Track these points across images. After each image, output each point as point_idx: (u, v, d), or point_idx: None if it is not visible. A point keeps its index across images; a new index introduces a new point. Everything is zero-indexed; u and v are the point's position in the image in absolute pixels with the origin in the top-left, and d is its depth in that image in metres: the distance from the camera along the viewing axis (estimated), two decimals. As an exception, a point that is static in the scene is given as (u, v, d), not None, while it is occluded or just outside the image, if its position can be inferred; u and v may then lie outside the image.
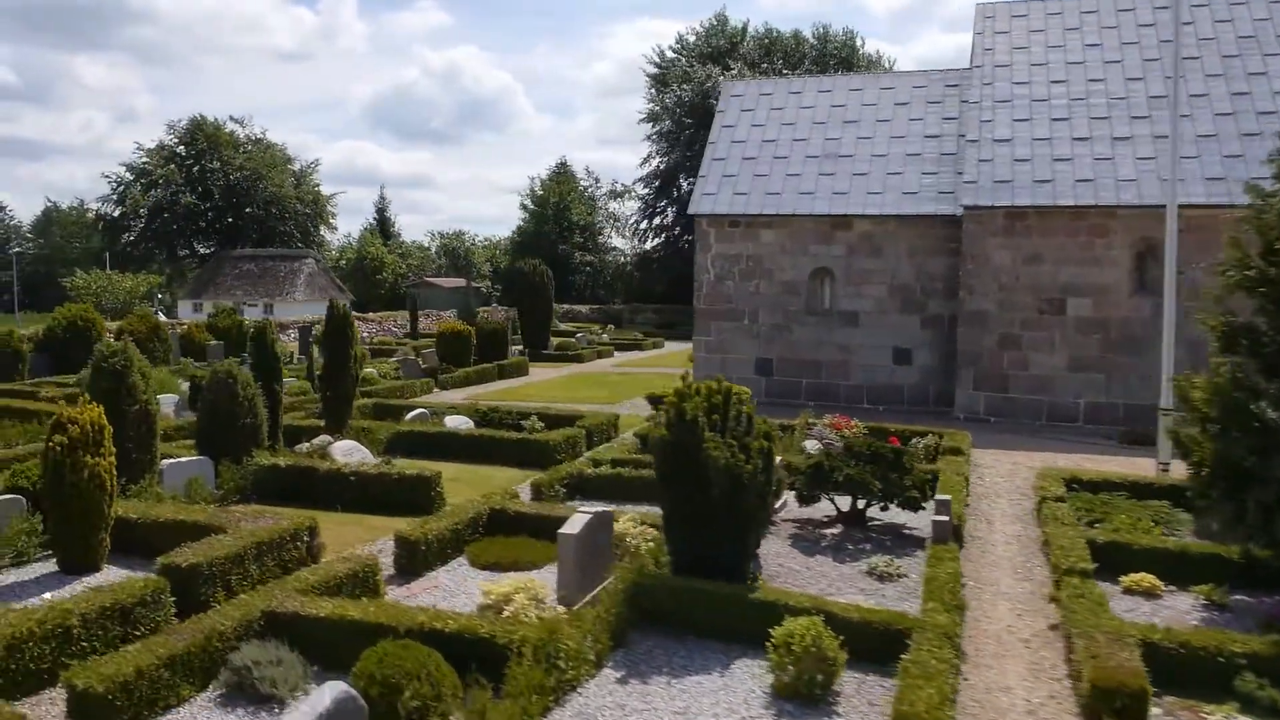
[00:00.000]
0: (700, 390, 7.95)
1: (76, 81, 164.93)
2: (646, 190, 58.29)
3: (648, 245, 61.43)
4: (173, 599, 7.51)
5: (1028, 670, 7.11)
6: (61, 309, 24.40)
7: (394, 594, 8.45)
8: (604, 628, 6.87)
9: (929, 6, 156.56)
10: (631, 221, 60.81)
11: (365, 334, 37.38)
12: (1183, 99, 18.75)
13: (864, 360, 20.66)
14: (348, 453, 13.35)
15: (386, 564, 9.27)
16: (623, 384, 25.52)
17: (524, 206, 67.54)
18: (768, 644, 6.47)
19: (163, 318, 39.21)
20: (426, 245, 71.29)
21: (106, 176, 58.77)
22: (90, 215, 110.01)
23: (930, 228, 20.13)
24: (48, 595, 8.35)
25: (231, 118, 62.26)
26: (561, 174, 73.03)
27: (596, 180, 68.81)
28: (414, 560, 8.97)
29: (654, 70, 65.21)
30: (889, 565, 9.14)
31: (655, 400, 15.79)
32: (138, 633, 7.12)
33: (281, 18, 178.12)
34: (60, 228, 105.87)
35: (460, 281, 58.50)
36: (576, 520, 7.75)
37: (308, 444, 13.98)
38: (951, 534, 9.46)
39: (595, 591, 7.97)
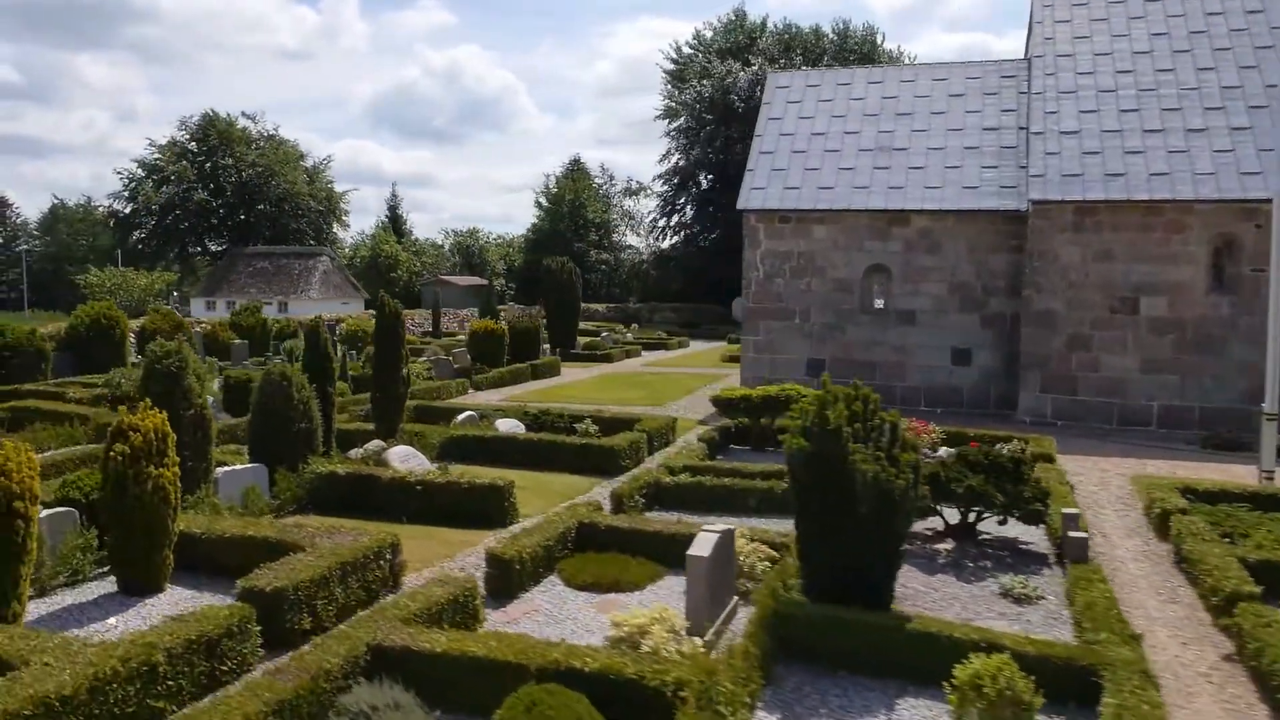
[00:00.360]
0: (839, 396, 7.17)
1: (79, 80, 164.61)
2: (665, 187, 57.51)
3: (666, 243, 60.65)
4: (258, 628, 6.75)
5: (1224, 712, 6.33)
6: (84, 307, 23.64)
7: (492, 619, 7.68)
8: (753, 664, 6.09)
9: (930, 6, 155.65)
10: (649, 219, 60.03)
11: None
12: (1257, 89, 18.02)
13: (921, 361, 19.88)
14: (404, 459, 12.59)
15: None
16: (660, 384, 24.74)
17: (539, 204, 66.77)
18: (947, 684, 5.70)
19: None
20: (440, 243, 70.51)
21: (119, 172, 58.19)
22: (99, 212, 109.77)
23: (992, 223, 19.34)
24: (112, 620, 7.60)
25: (244, 114, 61.60)
26: (575, 171, 72.28)
27: (611, 178, 68.14)
28: (508, 581, 8.20)
29: (671, 67, 64.48)
30: (1023, 586, 8.36)
31: (726, 404, 15.02)
32: (225, 668, 6.37)
33: (284, 16, 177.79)
34: (67, 225, 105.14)
35: (476, 279, 57.76)
36: (705, 540, 6.97)
37: (360, 450, 13.23)
38: (1086, 551, 8.69)
39: (721, 619, 7.20)
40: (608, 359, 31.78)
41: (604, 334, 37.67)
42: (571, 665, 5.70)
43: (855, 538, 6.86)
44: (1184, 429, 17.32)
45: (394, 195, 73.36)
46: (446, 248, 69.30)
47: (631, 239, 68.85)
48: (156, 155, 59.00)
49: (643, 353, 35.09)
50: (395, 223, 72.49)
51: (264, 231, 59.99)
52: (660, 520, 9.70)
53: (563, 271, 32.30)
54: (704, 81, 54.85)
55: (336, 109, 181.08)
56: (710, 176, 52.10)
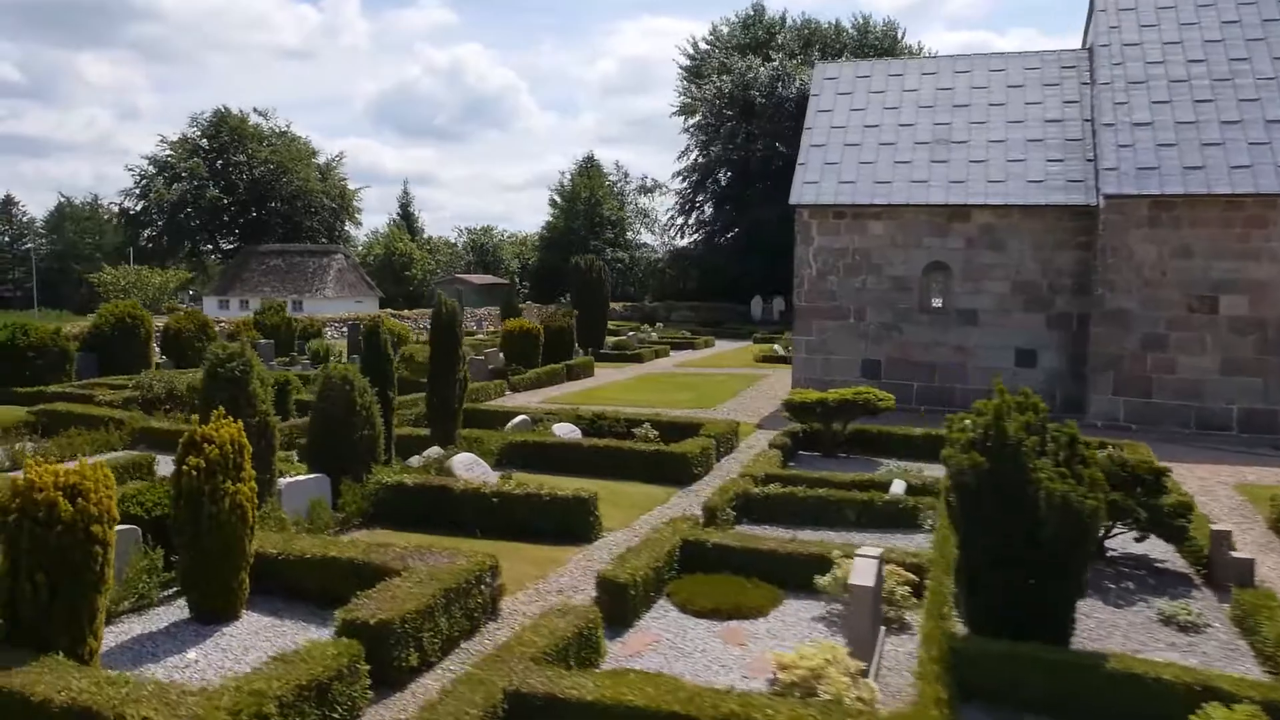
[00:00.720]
0: (1011, 404, 6.40)
1: (80, 79, 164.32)
2: (684, 185, 56.68)
3: (683, 241, 59.90)
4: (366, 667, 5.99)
5: None
6: (107, 306, 22.89)
7: (613, 652, 6.92)
8: (945, 713, 5.32)
9: (930, 5, 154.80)
10: (667, 216, 59.21)
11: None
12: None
13: (982, 362, 19.09)
14: (468, 467, 11.84)
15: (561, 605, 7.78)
16: (702, 386, 23.97)
17: (553, 202, 65.98)
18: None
19: None
20: (453, 241, 69.71)
21: (130, 169, 57.25)
22: (110, 210, 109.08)
23: (1058, 219, 18.55)
24: (192, 655, 6.84)
25: (255, 110, 60.79)
26: (589, 168, 71.52)
27: (626, 175, 67.32)
28: (622, 608, 7.43)
29: (687, 63, 63.72)
30: (1186, 612, 7.59)
31: (800, 408, 14.24)
32: (335, 716, 5.60)
33: (285, 15, 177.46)
34: (73, 223, 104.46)
35: (491, 278, 56.98)
36: (865, 568, 6.20)
37: (419, 457, 12.47)
38: (1253, 574, 7.92)
39: (878, 654, 6.43)
40: (638, 359, 31.00)
41: (630, 333, 36.91)
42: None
43: (1036, 565, 6.09)
44: (1268, 434, 16.54)
45: (406, 193, 72.79)
46: (459, 246, 68.49)
47: (646, 237, 68.15)
48: (169, 152, 58.18)
49: (671, 353, 34.30)
50: (407, 220, 71.71)
51: (276, 229, 59.19)
52: (773, 537, 8.92)
53: (591, 270, 31.53)
54: (723, 77, 54.04)
55: (338, 107, 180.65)
56: (729, 173, 51.29)
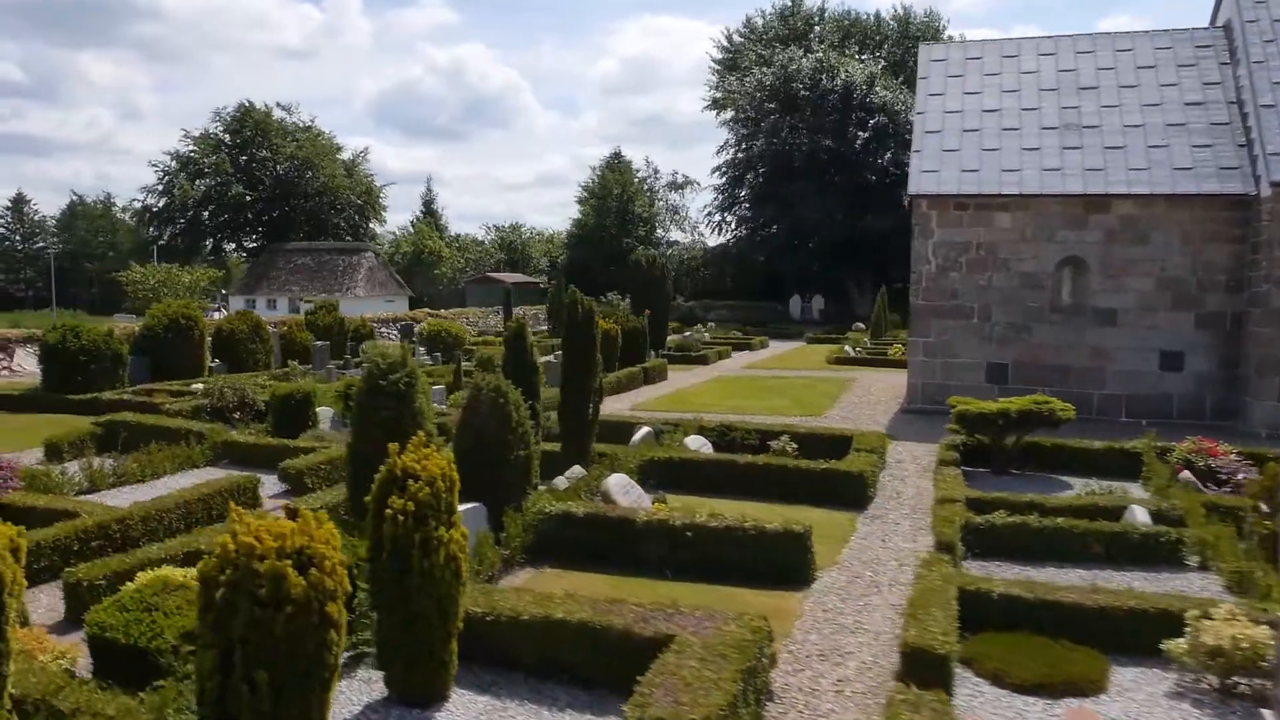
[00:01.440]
0: None
1: (82, 78, 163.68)
2: (722, 180, 55.07)
3: (721, 238, 58.30)
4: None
5: None
6: (159, 306, 21.35)
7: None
8: None
9: (935, 2, 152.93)
10: (704, 212, 57.48)
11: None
12: None
13: (1123, 365, 17.52)
14: (625, 491, 10.27)
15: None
16: (789, 390, 22.40)
17: (582, 200, 64.44)
18: None
19: (219, 315, 36.23)
20: (480, 238, 68.08)
21: (154, 165, 55.55)
22: (131, 207, 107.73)
23: (1209, 209, 16.96)
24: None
25: (279, 104, 59.20)
26: (616, 164, 70.01)
27: (656, 171, 65.69)
28: (936, 685, 5.85)
29: (721, 56, 62.18)
30: None
31: (977, 420, 12.66)
32: None
33: (287, 14, 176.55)
34: (85, 222, 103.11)
35: (523, 276, 55.42)
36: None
37: (564, 479, 10.93)
38: None
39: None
40: (703, 360, 29.45)
41: (686, 333, 35.36)
42: None
43: None
44: None
45: (429, 190, 71.06)
46: (487, 243, 66.84)
47: (675, 234, 66.58)
48: (192, 148, 56.61)
49: (733, 353, 32.74)
50: (431, 217, 70.18)
51: (301, 227, 57.62)
52: (1074, 588, 7.33)
53: (654, 267, 29.99)
54: (765, 69, 52.43)
55: (340, 107, 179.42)
56: (771, 168, 49.65)
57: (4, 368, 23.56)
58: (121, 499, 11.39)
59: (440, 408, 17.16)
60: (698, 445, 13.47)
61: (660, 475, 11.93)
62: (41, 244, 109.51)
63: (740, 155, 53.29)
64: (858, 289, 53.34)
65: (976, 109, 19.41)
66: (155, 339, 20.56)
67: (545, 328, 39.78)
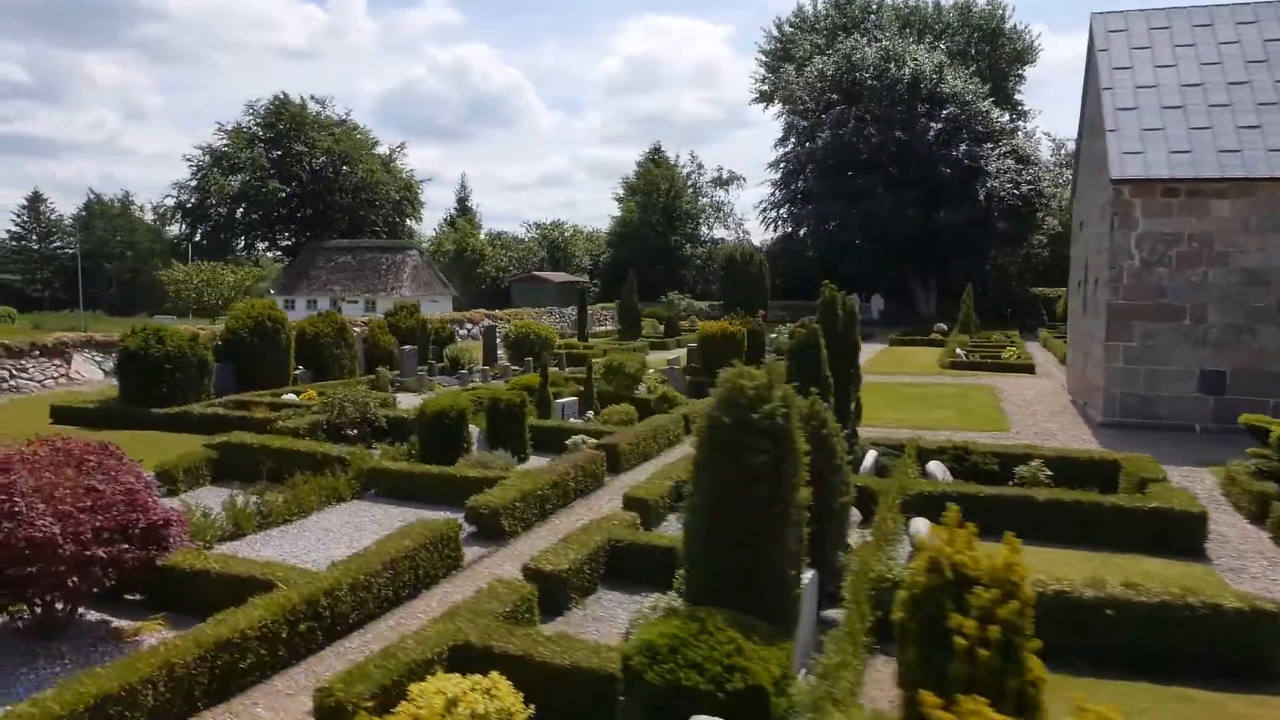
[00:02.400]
0: None
1: (87, 79, 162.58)
2: (779, 174, 52.66)
3: (774, 235, 55.87)
4: None
5: None
6: (242, 306, 19.16)
7: None
8: None
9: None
10: (759, 208, 55.15)
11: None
12: None
13: (1366, 375, 15.24)
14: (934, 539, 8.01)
15: None
16: (939, 399, 20.16)
17: (622, 198, 62.23)
18: None
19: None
20: (521, 236, 65.74)
21: (188, 159, 53.25)
22: (134, 208, 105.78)
23: None
24: None
25: (313, 98, 56.85)
26: (657, 160, 67.83)
27: (700, 166, 63.37)
28: None
29: (771, 46, 59.94)
30: None
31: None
32: None
33: (291, 15, 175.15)
34: (103, 222, 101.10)
35: (567, 276, 53.20)
36: None
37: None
38: None
39: None
40: (805, 366, 27.15)
41: (774, 335, 33.07)
42: None
43: None
44: None
45: (463, 186, 68.62)
46: (527, 240, 64.55)
47: (719, 232, 64.27)
48: (225, 142, 54.33)
49: (827, 358, 30.44)
50: (466, 216, 67.99)
51: (338, 224, 55.34)
52: None
53: (751, 264, 27.73)
54: (826, 58, 50.10)
55: (343, 107, 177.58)
56: (832, 162, 47.27)
57: (61, 375, 21.41)
58: (274, 547, 9.22)
59: (581, 421, 14.93)
60: (940, 473, 11.25)
61: (918, 510, 9.70)
62: (58, 244, 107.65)
63: (800, 149, 50.92)
64: (922, 288, 51.06)
65: (1174, 83, 17.13)
66: (239, 344, 18.36)
67: (614, 329, 37.59)
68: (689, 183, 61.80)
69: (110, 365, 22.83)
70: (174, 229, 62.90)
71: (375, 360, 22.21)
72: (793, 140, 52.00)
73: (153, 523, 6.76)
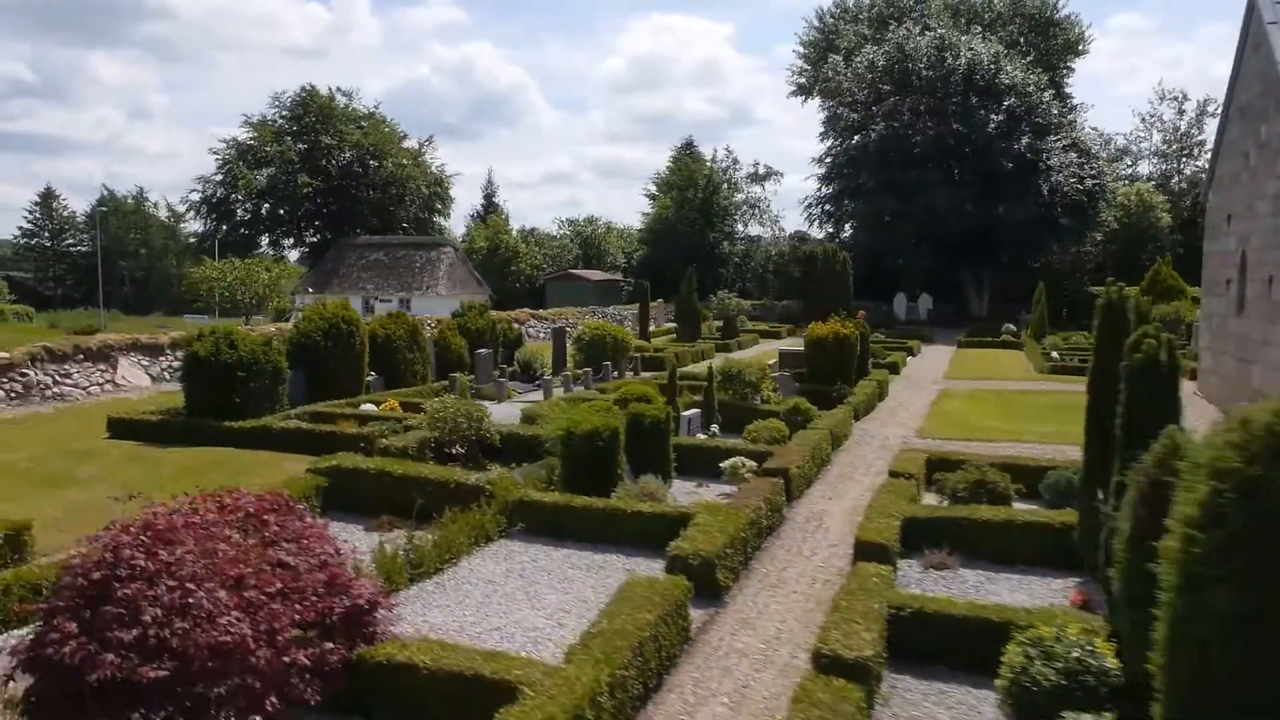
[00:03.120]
0: None
1: (92, 78, 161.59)
2: (826, 169, 50.63)
3: (820, 232, 53.92)
4: None
5: None
6: (313, 308, 17.38)
7: None
8: None
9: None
10: (805, 206, 53.20)
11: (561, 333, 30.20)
12: None
13: None
14: None
15: None
16: (1064, 412, 18.25)
17: (655, 196, 60.37)
18: None
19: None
20: (555, 234, 63.74)
21: (214, 153, 51.37)
22: (148, 204, 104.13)
23: None
24: None
25: (339, 90, 54.94)
26: (689, 155, 65.95)
27: (736, 161, 61.38)
28: None
29: (812, 37, 58.04)
30: None
31: None
32: None
33: (296, 14, 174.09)
34: (117, 219, 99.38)
35: (605, 274, 51.38)
36: None
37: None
38: None
39: None
40: (893, 368, 25.33)
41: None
42: None
43: None
44: None
45: (489, 182, 66.38)
46: (561, 237, 62.59)
47: (755, 229, 62.30)
48: (252, 134, 52.46)
49: (908, 359, 28.66)
50: (491, 211, 66.12)
51: (368, 220, 53.43)
52: None
53: (835, 261, 25.88)
54: (877, 48, 48.15)
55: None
56: (888, 156, 45.28)
57: (107, 380, 19.64)
58: (439, 609, 7.47)
59: (733, 439, 13.05)
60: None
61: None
62: (70, 241, 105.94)
63: (848, 142, 48.94)
64: (974, 287, 49.14)
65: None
66: (311, 349, 16.55)
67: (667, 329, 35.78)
68: (725, 178, 59.82)
69: (158, 369, 21.08)
70: (191, 225, 61.02)
71: (446, 365, 20.42)
72: (839, 134, 50.01)
73: (355, 606, 4.93)
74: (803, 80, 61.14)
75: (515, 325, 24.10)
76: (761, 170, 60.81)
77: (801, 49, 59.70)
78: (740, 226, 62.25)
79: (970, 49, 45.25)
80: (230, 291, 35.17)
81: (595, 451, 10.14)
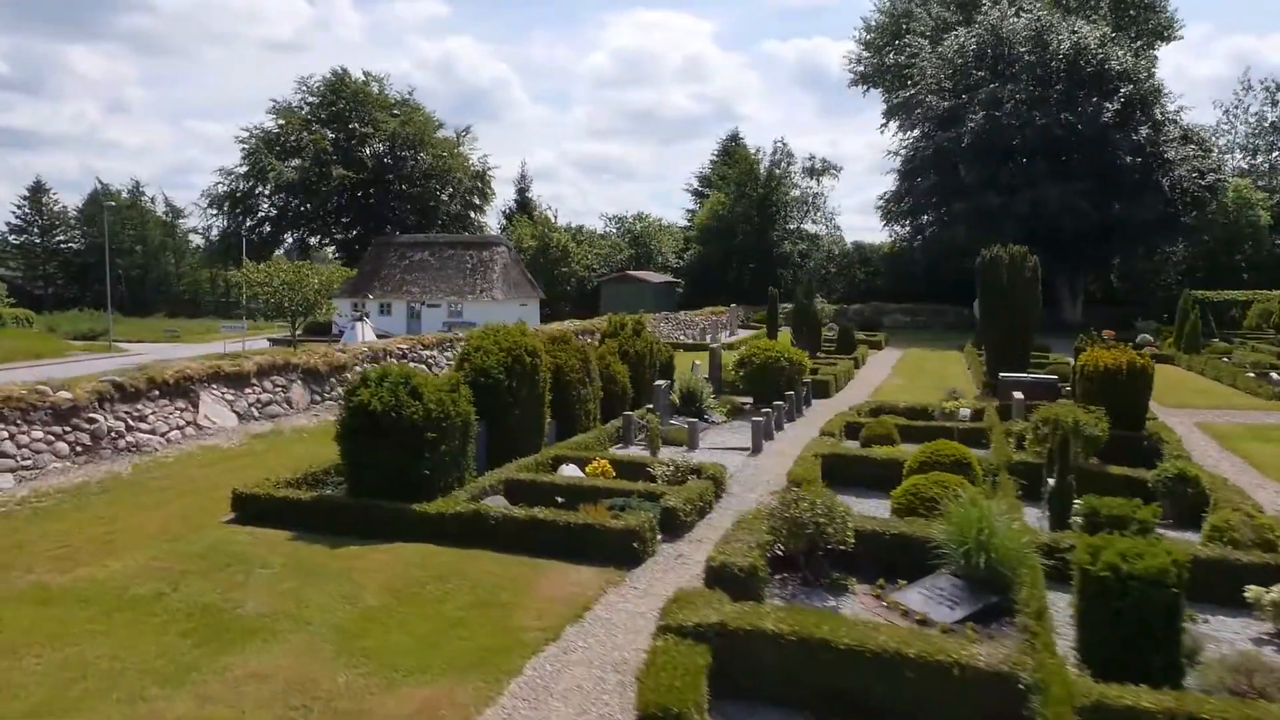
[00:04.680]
0: None
1: (71, 71, 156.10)
2: (906, 164, 46.67)
3: (901, 231, 49.94)
4: None
5: None
6: (482, 334, 13.10)
7: None
8: None
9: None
10: (880, 204, 49.19)
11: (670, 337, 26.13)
12: None
13: None
14: None
15: None
16: None
17: (699, 191, 56.31)
18: None
19: (365, 332, 28.12)
20: (603, 232, 59.25)
21: (240, 141, 46.40)
22: (145, 199, 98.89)
23: None
24: None
25: (368, 74, 50.13)
26: (735, 149, 61.98)
27: (790, 155, 57.20)
28: None
29: (880, 20, 54.13)
30: None
31: None
32: None
33: (278, 7, 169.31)
34: (111, 214, 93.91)
35: (663, 276, 47.21)
36: None
37: None
38: None
39: None
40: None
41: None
42: None
43: None
44: None
45: (523, 176, 61.56)
46: (613, 237, 58.11)
47: (810, 227, 58.24)
48: (279, 122, 47.71)
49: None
50: (525, 207, 61.72)
51: (406, 217, 48.86)
52: None
53: (1023, 266, 21.87)
54: (965, 30, 44.22)
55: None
56: (984, 148, 41.38)
57: (188, 423, 15.33)
58: None
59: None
60: None
61: None
62: (61, 237, 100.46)
63: (937, 134, 44.93)
64: (1069, 291, 45.39)
65: None
66: (492, 390, 12.30)
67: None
68: (782, 171, 55.66)
69: (244, 404, 16.83)
70: (190, 221, 55.96)
71: (609, 399, 16.27)
72: (923, 125, 46.00)
73: None
74: (863, 69, 57.29)
75: (664, 345, 19.93)
76: (818, 164, 56.74)
77: (866, 33, 55.81)
78: (791, 224, 58.23)
79: (1074, 32, 41.43)
80: (276, 296, 30.76)
81: (1147, 604, 6.05)
